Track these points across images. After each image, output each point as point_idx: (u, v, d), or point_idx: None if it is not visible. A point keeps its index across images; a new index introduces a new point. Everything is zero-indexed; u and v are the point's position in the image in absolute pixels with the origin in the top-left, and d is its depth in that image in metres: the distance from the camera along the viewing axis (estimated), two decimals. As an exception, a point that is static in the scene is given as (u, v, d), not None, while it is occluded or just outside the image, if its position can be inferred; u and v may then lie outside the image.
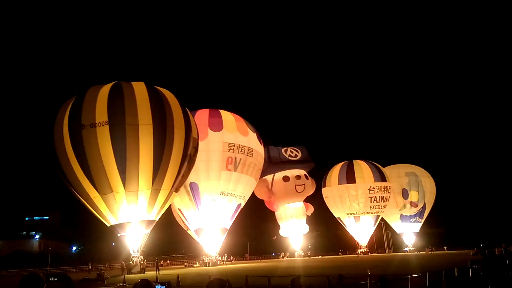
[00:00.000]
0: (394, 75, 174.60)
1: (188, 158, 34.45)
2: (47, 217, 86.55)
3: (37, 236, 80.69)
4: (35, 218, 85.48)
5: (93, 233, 69.88)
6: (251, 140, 46.10)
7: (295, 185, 56.53)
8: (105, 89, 32.59)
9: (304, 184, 57.13)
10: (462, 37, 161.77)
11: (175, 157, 32.65)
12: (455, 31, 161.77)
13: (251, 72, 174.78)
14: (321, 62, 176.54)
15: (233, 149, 43.50)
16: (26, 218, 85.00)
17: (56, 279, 3.91)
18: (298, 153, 58.11)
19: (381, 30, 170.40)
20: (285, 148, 57.71)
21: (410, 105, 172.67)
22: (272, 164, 55.55)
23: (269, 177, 56.83)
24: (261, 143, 48.64)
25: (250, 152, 45.13)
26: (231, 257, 65.64)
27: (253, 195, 49.54)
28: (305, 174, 58.19)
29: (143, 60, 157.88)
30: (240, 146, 44.15)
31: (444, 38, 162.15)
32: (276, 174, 57.04)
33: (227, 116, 45.76)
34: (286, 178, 56.51)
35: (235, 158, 43.48)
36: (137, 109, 31.70)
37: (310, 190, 58.75)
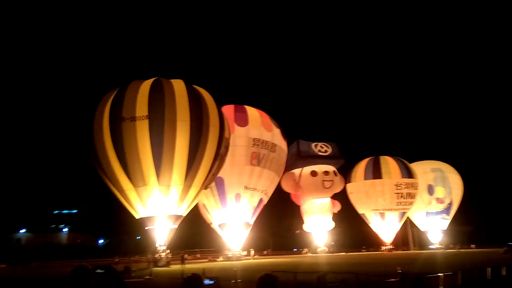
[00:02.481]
0: (422, 72, 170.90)
1: (220, 157, 34.94)
2: (75, 211, 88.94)
3: (65, 229, 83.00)
4: (64, 212, 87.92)
5: (119, 227, 71.32)
6: (275, 135, 46.23)
7: (323, 180, 56.23)
8: (146, 85, 33.45)
9: (332, 180, 56.83)
10: (492, 30, 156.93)
11: (208, 155, 33.31)
12: (484, 23, 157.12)
13: (280, 70, 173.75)
14: (347, 60, 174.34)
15: (257, 144, 43.73)
16: (55, 212, 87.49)
17: (103, 271, 3.98)
18: (329, 148, 57.86)
19: (409, 25, 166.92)
20: (315, 143, 57.62)
21: (437, 101, 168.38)
22: (301, 158, 55.67)
23: (297, 171, 56.92)
24: (284, 139, 48.70)
25: (273, 148, 45.26)
26: (265, 251, 66.39)
27: (277, 190, 49.62)
28: (334, 171, 57.87)
29: (167, 55, 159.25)
30: (264, 142, 44.37)
31: (474, 32, 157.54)
32: (305, 168, 57.03)
33: (252, 111, 45.97)
34: (314, 173, 56.32)
35: (259, 153, 43.72)
36: (176, 106, 32.46)
37: (339, 187, 58.32)
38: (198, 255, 57.36)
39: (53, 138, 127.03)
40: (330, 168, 57.60)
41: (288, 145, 50.99)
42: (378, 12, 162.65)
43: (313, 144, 57.41)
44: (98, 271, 4.12)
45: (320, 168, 56.80)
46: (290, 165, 55.19)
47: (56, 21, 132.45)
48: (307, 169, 56.81)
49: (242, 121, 43.75)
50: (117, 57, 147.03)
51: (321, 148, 57.51)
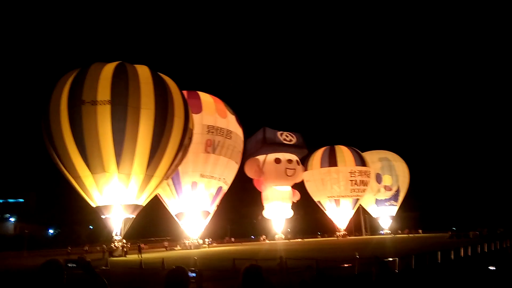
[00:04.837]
0: (371, 69, 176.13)
1: (183, 148, 34.25)
2: (22, 200, 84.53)
3: (12, 219, 78.83)
4: (10, 200, 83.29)
5: (70, 216, 68.73)
6: (230, 122, 45.82)
7: (286, 168, 57.45)
8: (109, 68, 31.93)
9: (294, 169, 58.20)
10: (436, 26, 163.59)
11: (172, 146, 32.47)
12: (427, 21, 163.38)
13: (244, 60, 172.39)
14: (306, 56, 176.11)
15: (212, 131, 43.13)
16: (0, 201, 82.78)
17: (75, 265, 3.73)
18: (293, 138, 59.04)
19: (362, 21, 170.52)
20: (281, 132, 58.62)
21: (383, 91, 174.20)
22: (266, 145, 56.44)
23: (261, 157, 57.82)
24: (240, 126, 48.34)
25: (229, 135, 44.88)
26: (232, 239, 66.55)
27: (236, 178, 49.38)
28: (297, 160, 59.34)
29: (118, 38, 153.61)
30: (219, 128, 43.81)
31: (419, 27, 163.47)
32: (269, 155, 57.98)
33: (205, 97, 45.10)
34: (278, 160, 57.43)
35: (214, 140, 43.16)
36: (141, 93, 31.27)
37: (300, 176, 59.77)
38: (166, 243, 56.22)
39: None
40: (294, 157, 58.97)
41: (244, 132, 50.90)
42: (333, 11, 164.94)
43: (278, 133, 58.42)
44: (70, 265, 3.87)
45: (284, 156, 57.99)
46: (254, 151, 55.81)
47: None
48: (271, 156, 57.79)
49: (195, 107, 42.45)
50: (73, 39, 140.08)
51: (286, 137, 58.62)
